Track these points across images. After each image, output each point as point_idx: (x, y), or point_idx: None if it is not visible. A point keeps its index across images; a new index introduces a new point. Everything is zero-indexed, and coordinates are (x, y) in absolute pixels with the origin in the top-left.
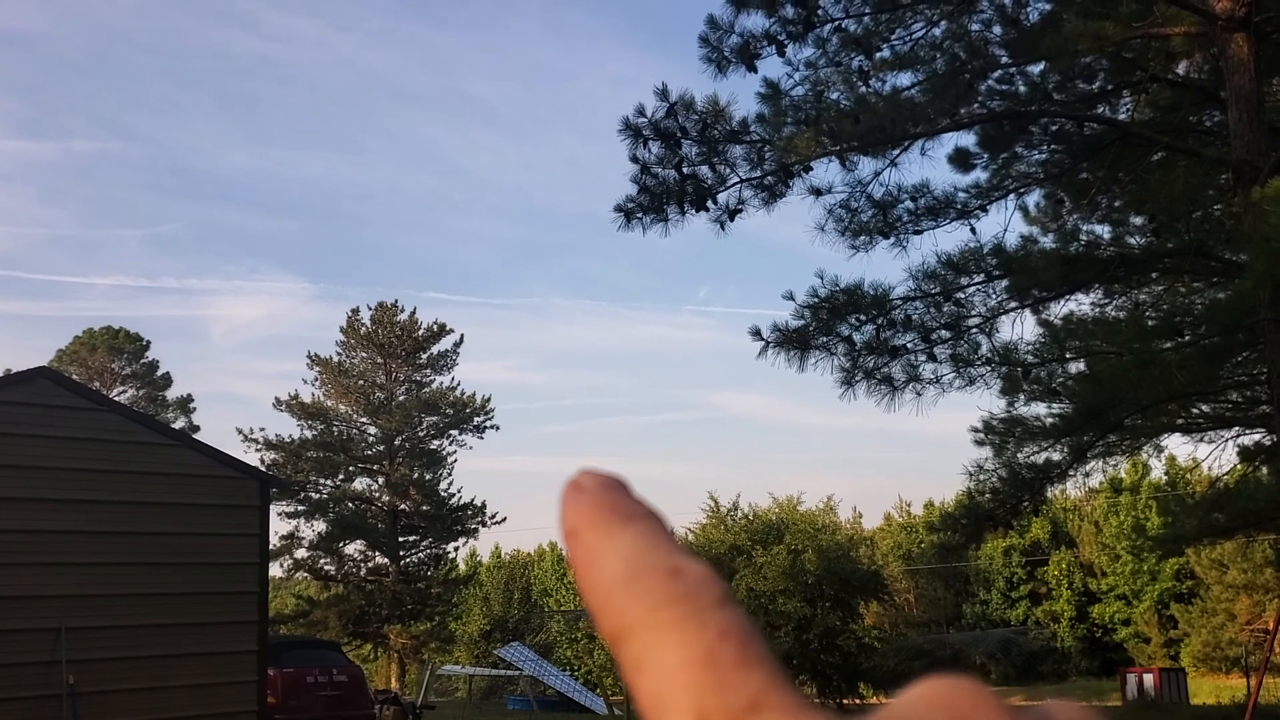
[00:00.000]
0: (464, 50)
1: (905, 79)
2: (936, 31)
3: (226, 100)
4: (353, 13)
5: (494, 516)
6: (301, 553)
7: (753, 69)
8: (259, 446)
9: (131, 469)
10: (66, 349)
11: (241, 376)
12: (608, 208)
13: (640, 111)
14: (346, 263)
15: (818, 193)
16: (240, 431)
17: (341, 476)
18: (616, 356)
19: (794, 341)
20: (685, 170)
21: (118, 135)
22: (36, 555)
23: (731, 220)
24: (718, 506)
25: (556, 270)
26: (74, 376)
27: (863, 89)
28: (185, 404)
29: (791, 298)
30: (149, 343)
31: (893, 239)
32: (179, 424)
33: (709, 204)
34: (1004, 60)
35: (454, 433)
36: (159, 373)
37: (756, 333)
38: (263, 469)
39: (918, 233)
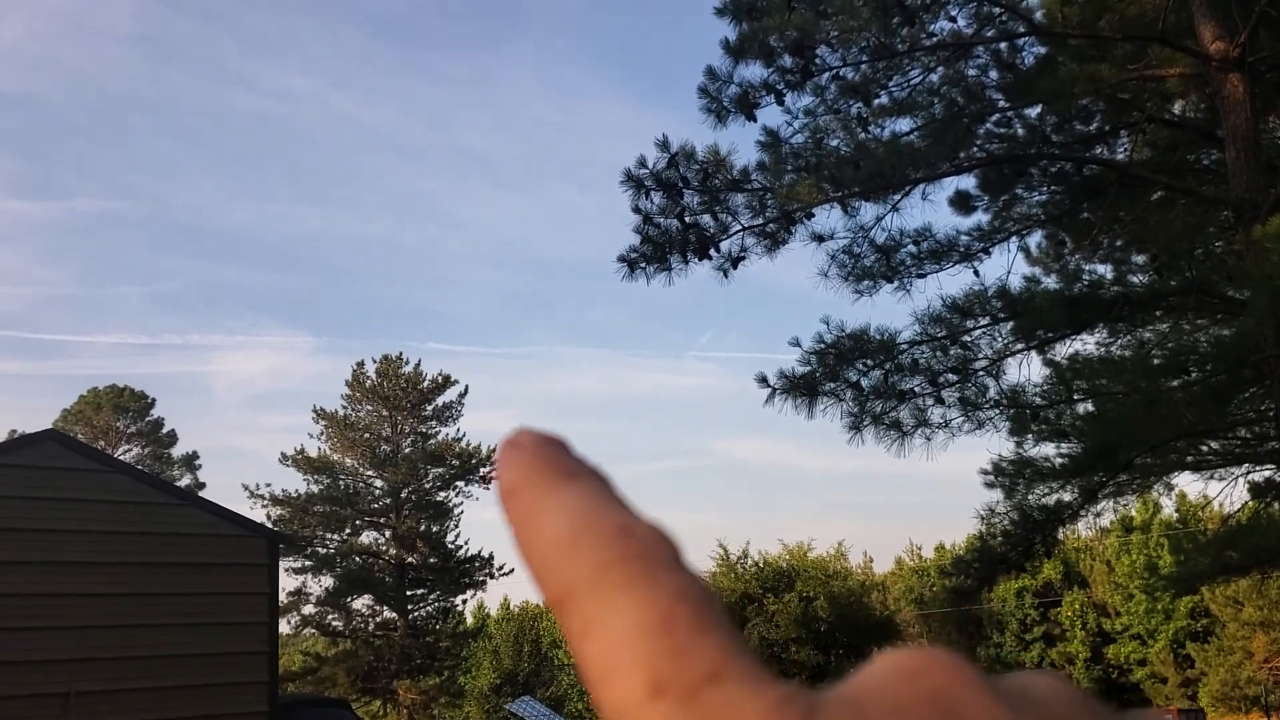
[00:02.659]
0: (461, 105)
1: (904, 124)
2: (934, 77)
3: (225, 158)
4: (350, 70)
5: (501, 568)
6: (309, 608)
7: (752, 118)
8: (265, 502)
9: (140, 529)
10: (71, 408)
11: (246, 432)
12: (607, 256)
13: (642, 163)
14: (349, 316)
15: (820, 239)
16: (246, 487)
17: (349, 530)
18: (620, 404)
19: (801, 388)
20: (687, 219)
21: (118, 194)
22: (46, 619)
23: (735, 268)
24: (727, 554)
25: (558, 319)
26: (79, 436)
27: (862, 135)
28: (191, 461)
29: (798, 344)
30: (153, 400)
31: (896, 283)
32: (184, 481)
33: (712, 252)
34: (1001, 104)
35: (460, 484)
36: (164, 430)
37: (763, 380)
38: (270, 525)
39: (921, 276)
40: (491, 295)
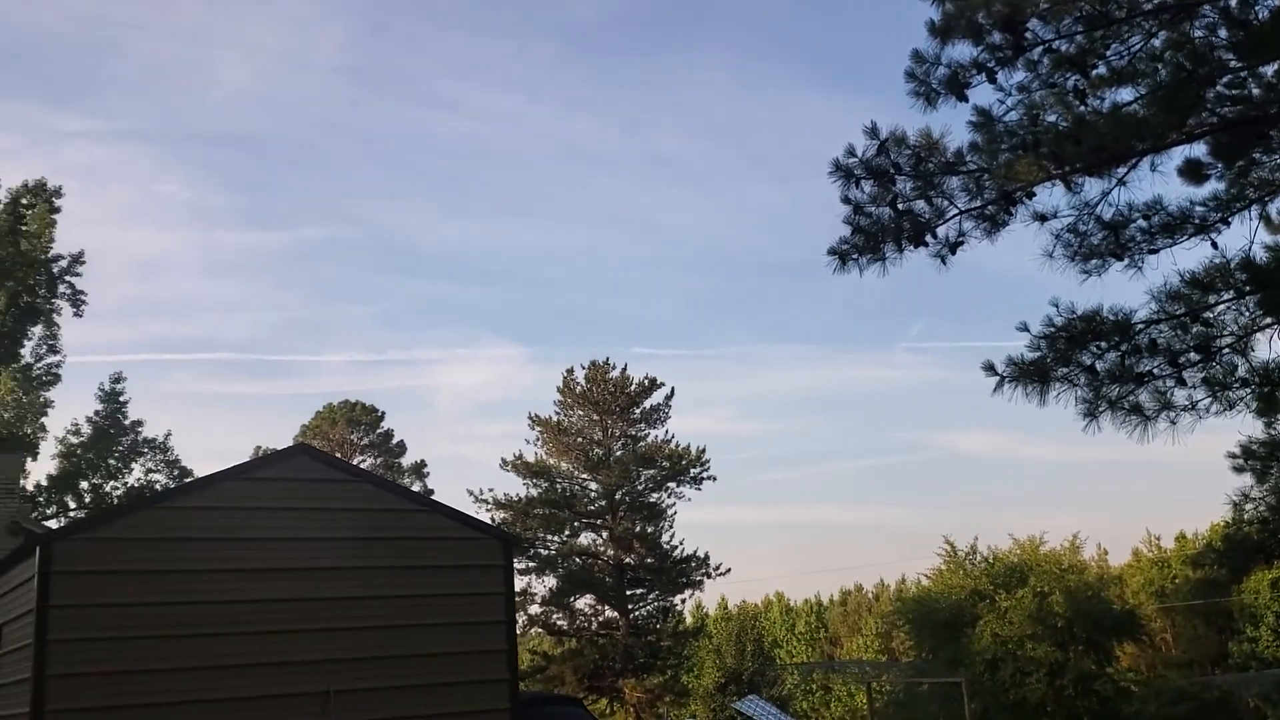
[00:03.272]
0: (653, 110)
1: (1126, 94)
2: (1156, 42)
3: (434, 179)
4: (546, 85)
5: (718, 567)
6: (534, 608)
7: (963, 98)
8: (489, 506)
9: (385, 535)
10: (310, 424)
11: (467, 440)
12: (807, 251)
13: (850, 152)
14: (556, 325)
15: (1043, 218)
16: (471, 492)
17: (567, 532)
18: (829, 400)
19: (1032, 374)
20: (900, 207)
21: (339, 221)
22: (305, 622)
23: (953, 253)
24: (954, 550)
25: (759, 317)
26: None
27: (1081, 108)
28: (419, 469)
29: (1026, 329)
30: (383, 413)
31: (1127, 260)
32: (415, 489)
33: (928, 239)
34: (1233, 64)
35: (671, 485)
36: (394, 441)
37: (990, 368)
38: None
39: (1153, 252)
40: (691, 297)
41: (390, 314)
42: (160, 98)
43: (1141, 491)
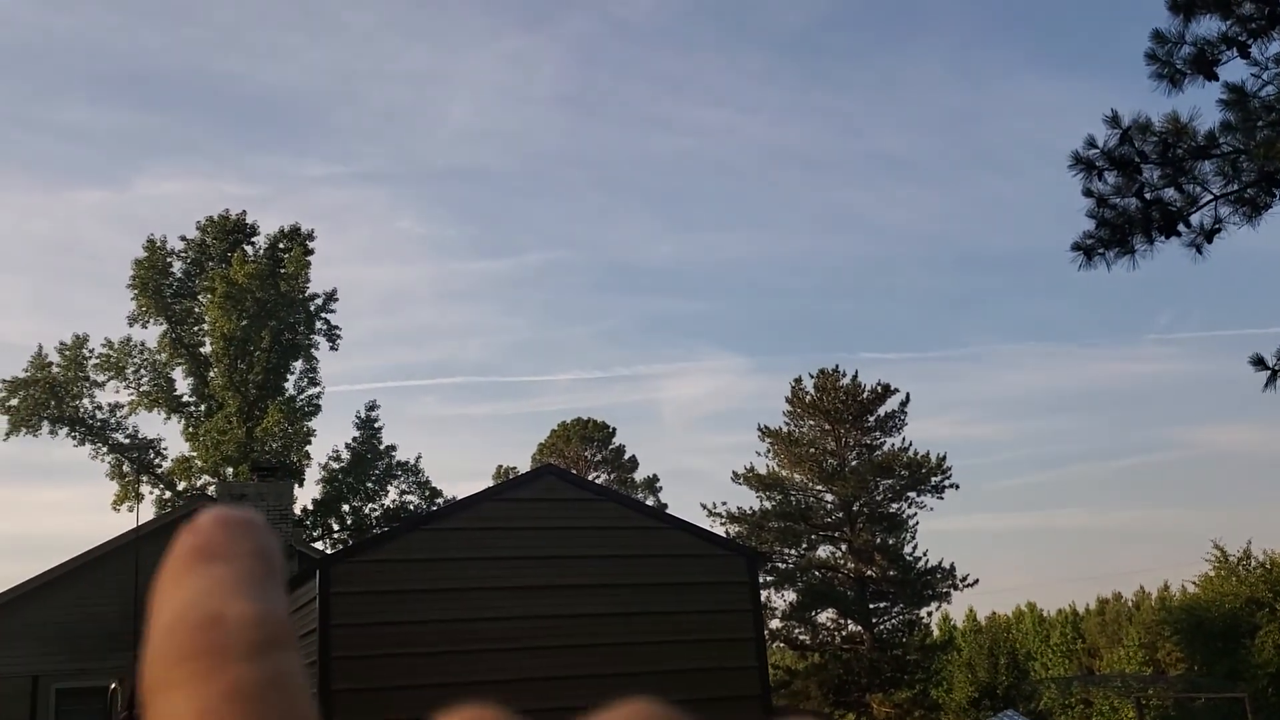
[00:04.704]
0: (869, 109)
1: None
2: None
3: (651, 197)
4: (756, 95)
5: (965, 579)
6: (775, 623)
7: (1212, 77)
8: (723, 520)
9: (632, 552)
10: (545, 441)
11: (694, 453)
12: (1042, 243)
13: (1090, 143)
14: (778, 334)
15: None
16: (704, 506)
17: (805, 545)
18: (1072, 399)
19: None
20: (1148, 196)
21: (561, 244)
22: (564, 638)
23: (1209, 242)
24: (1224, 556)
25: (994, 315)
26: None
27: None
28: (652, 484)
29: None
30: (614, 430)
31: None
32: (649, 504)
33: (1180, 228)
34: None
35: (911, 494)
36: (625, 457)
37: (1259, 361)
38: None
39: None
40: (921, 298)
41: (614, 331)
42: (393, 140)
43: None
